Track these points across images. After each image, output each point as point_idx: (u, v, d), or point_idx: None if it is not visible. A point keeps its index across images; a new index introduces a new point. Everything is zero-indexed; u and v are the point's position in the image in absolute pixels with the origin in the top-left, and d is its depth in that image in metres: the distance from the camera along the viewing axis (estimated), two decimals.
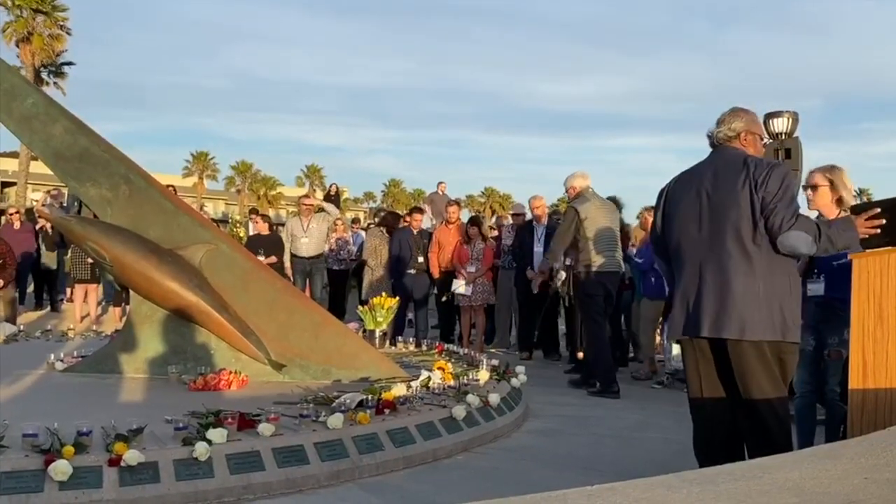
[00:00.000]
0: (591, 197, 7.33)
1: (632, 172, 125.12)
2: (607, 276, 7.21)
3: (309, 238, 10.91)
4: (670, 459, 4.57)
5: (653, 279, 7.76)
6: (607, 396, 6.91)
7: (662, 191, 3.86)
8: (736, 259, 3.46)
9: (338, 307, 11.16)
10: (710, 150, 3.75)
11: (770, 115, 7.67)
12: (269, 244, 10.59)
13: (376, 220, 13.75)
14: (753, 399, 3.50)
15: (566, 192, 7.59)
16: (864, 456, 2.29)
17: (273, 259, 10.24)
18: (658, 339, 10.04)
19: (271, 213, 51.10)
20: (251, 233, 14.34)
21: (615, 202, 8.82)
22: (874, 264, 3.59)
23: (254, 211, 18.30)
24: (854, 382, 3.66)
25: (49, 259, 11.94)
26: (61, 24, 31.31)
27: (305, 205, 11.57)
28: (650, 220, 7.96)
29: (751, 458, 3.36)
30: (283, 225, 12.94)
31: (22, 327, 8.93)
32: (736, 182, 3.48)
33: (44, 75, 31.46)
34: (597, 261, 7.14)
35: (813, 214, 5.09)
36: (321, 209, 11.64)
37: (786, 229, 3.37)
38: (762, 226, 3.43)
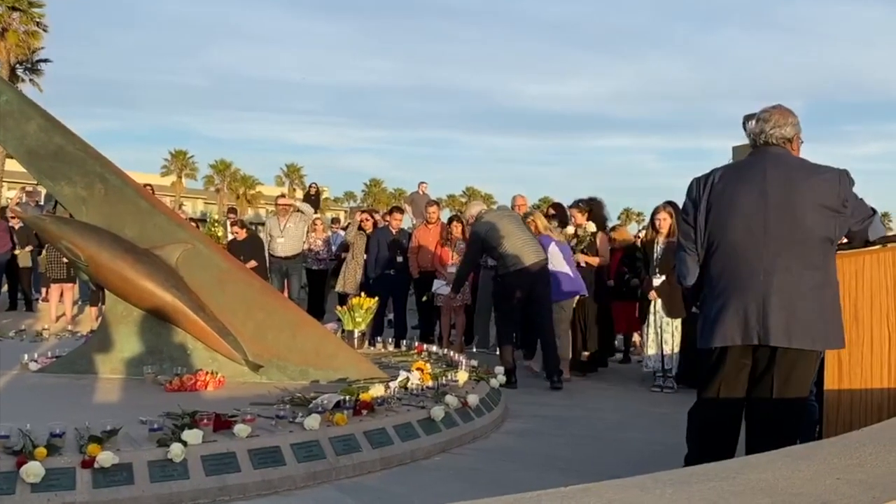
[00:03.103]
0: (486, 214, 7.76)
1: (614, 173, 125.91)
2: (525, 272, 7.32)
3: (285, 238, 10.89)
4: (648, 460, 4.58)
5: (560, 282, 7.78)
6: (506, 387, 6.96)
7: (700, 182, 3.64)
8: (810, 268, 3.39)
9: (317, 307, 11.12)
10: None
11: (749, 117, 7.70)
12: (249, 247, 10.57)
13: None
14: (787, 399, 3.46)
15: (467, 223, 8.19)
16: (838, 456, 2.31)
17: (253, 263, 10.21)
18: (637, 339, 10.09)
19: (250, 212, 50.91)
20: (229, 234, 14.27)
21: (597, 202, 8.87)
22: (849, 266, 3.63)
23: (232, 210, 18.19)
24: (829, 383, 3.69)
25: (23, 258, 11.80)
26: (38, 20, 30.91)
27: (281, 204, 11.53)
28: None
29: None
30: (262, 224, 12.86)
31: None
32: (811, 188, 3.39)
33: (19, 72, 31.05)
34: (511, 262, 7.31)
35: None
36: (297, 209, 11.60)
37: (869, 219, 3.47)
38: (835, 234, 3.43)
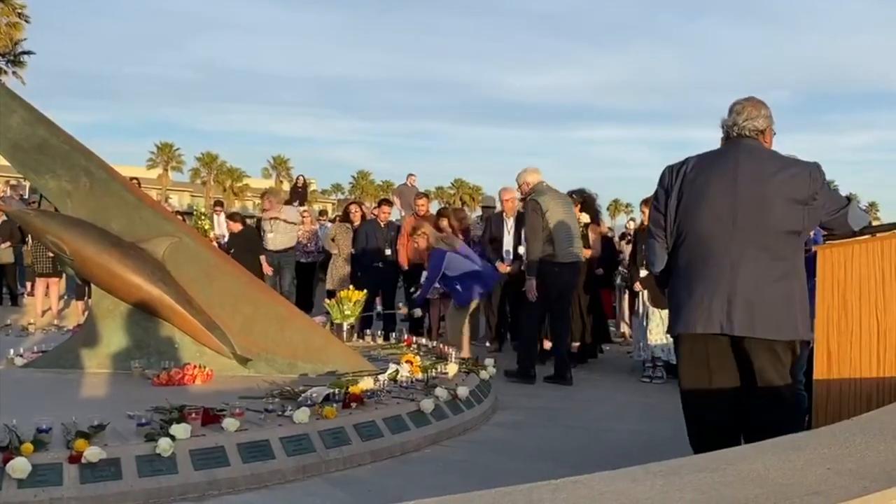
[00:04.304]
0: (546, 190, 7.36)
1: (603, 163, 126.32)
2: (567, 267, 7.22)
3: (275, 233, 10.87)
4: (639, 451, 4.59)
5: (458, 287, 7.75)
6: (523, 381, 6.99)
7: (673, 170, 3.61)
8: (776, 259, 3.40)
9: (305, 300, 11.09)
10: (716, 138, 3.64)
11: None
12: (244, 240, 10.61)
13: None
14: (771, 388, 3.47)
15: (518, 188, 7.61)
16: (828, 446, 2.31)
17: (269, 271, 10.44)
18: (627, 330, 10.11)
19: (237, 205, 50.72)
20: (216, 227, 14.20)
21: (589, 195, 8.85)
22: (838, 255, 3.63)
23: (219, 203, 18.11)
24: (819, 373, 3.69)
25: (6, 252, 11.69)
26: (19, 11, 30.64)
27: (267, 214, 11.42)
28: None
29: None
30: (252, 217, 12.83)
31: None
32: (782, 181, 3.39)
33: (1, 64, 30.76)
34: (558, 253, 7.13)
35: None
36: (283, 220, 11.41)
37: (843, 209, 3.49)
38: (803, 226, 3.43)
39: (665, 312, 7.34)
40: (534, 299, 7.23)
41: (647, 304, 7.39)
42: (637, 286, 7.44)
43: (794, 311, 3.42)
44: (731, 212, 3.42)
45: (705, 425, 3.65)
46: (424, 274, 9.39)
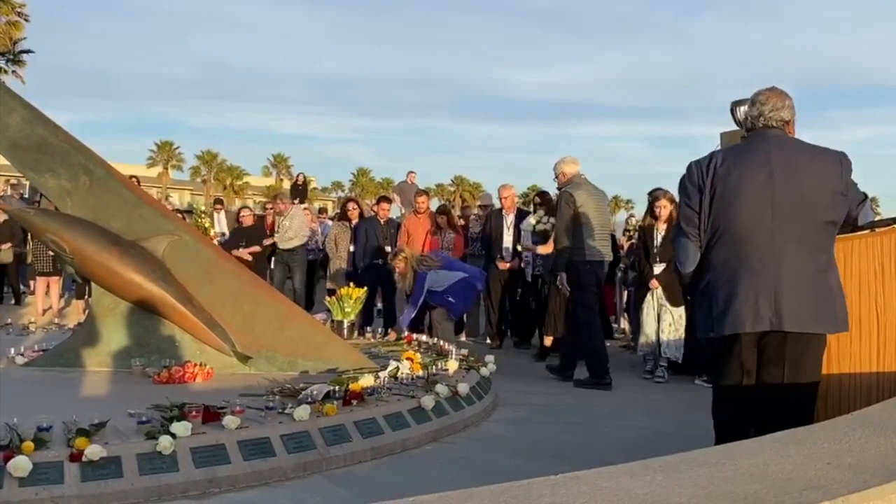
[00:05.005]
0: (582, 183, 7.12)
1: (600, 160, 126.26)
2: (598, 266, 7.06)
3: (281, 232, 10.88)
4: (638, 447, 4.59)
5: (451, 300, 7.88)
6: (600, 388, 6.79)
7: (702, 166, 3.52)
8: (816, 251, 3.36)
9: (306, 298, 11.10)
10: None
11: (737, 104, 7.67)
12: (253, 234, 10.64)
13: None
14: (801, 384, 3.42)
15: (556, 177, 7.34)
16: (828, 441, 2.31)
17: (257, 249, 10.46)
18: (627, 327, 10.10)
19: (237, 202, 50.77)
20: (216, 225, 14.23)
21: None
22: (838, 251, 3.63)
23: (219, 201, 18.10)
24: None
25: (5, 252, 11.69)
26: (18, 10, 30.64)
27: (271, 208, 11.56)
28: None
29: None
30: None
31: None
32: (815, 171, 3.36)
33: (1, 63, 30.76)
34: (589, 250, 6.92)
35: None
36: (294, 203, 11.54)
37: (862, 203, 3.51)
38: (839, 216, 3.41)
39: (680, 310, 7.28)
40: (568, 292, 7.10)
41: (662, 301, 7.30)
42: (653, 283, 7.31)
43: (834, 303, 3.39)
44: (770, 205, 3.35)
45: (737, 421, 3.56)
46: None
